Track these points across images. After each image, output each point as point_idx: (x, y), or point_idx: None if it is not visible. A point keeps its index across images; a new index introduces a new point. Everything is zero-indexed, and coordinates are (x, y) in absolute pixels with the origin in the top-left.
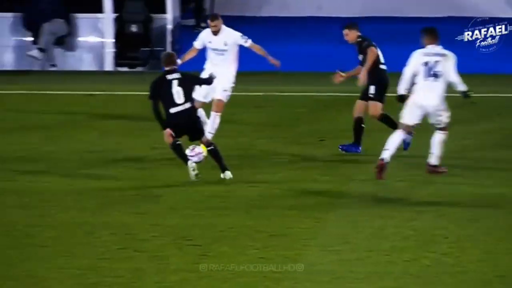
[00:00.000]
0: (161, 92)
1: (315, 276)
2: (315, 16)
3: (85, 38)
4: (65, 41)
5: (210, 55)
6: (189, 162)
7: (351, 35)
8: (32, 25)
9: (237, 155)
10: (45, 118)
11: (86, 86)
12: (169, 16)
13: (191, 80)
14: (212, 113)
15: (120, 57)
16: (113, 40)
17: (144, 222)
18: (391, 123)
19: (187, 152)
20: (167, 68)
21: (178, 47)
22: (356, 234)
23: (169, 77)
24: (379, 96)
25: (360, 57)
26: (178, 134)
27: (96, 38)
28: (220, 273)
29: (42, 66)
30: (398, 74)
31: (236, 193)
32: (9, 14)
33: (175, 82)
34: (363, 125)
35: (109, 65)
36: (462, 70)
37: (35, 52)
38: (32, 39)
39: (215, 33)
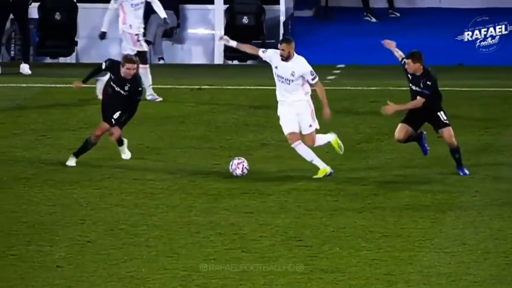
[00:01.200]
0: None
1: (430, 279)
2: (435, 7)
3: (195, 30)
4: (174, 33)
5: (276, 82)
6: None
7: (415, 67)
8: None
9: (349, 152)
10: (151, 112)
11: (195, 80)
12: (282, 7)
13: None
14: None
15: (229, 50)
16: (224, 32)
17: (253, 222)
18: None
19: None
20: None
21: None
22: (474, 236)
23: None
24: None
25: (414, 87)
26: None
27: (205, 30)
28: (330, 276)
29: (149, 59)
30: None
31: (348, 192)
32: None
33: None
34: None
35: (218, 59)
36: None
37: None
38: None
39: (285, 59)
